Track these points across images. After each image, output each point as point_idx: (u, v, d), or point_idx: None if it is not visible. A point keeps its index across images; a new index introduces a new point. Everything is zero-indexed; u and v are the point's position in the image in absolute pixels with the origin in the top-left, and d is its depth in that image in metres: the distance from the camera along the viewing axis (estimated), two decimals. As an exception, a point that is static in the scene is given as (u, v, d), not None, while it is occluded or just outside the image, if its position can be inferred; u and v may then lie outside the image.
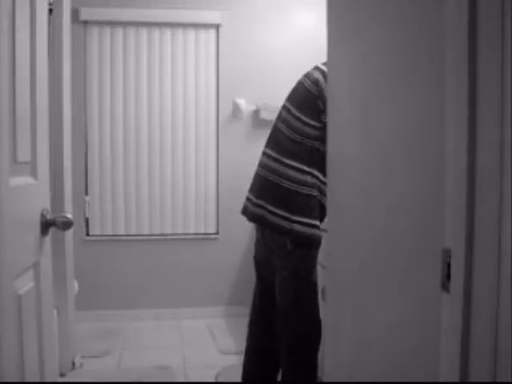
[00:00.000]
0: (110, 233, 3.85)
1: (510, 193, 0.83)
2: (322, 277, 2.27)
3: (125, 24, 3.75)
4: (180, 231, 3.91)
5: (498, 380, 0.85)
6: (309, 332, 2.28)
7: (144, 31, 3.79)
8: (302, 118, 2.23)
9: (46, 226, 1.38)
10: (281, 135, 2.31)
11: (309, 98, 2.24)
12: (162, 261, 3.92)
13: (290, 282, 2.27)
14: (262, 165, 2.36)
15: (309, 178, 2.21)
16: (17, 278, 1.20)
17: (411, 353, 1.23)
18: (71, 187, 2.96)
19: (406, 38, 1.26)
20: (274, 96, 3.89)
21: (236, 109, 3.87)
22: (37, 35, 1.34)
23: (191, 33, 3.84)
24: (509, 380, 0.83)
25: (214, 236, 3.97)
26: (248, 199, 2.40)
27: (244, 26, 3.89)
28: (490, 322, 0.86)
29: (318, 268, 2.53)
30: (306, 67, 3.89)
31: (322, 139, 2.13)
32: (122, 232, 3.86)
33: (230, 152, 3.92)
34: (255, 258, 2.50)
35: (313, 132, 2.20)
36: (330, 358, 1.80)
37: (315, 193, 2.21)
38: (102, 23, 3.73)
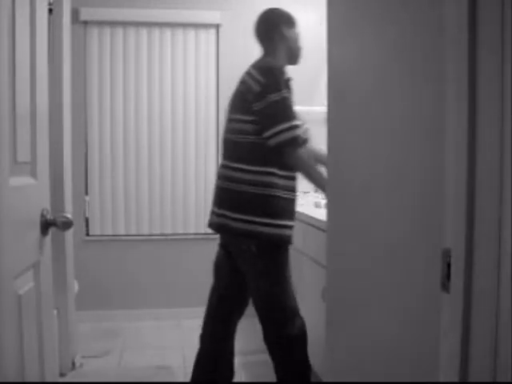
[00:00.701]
0: (110, 233, 3.85)
1: (510, 193, 0.83)
2: (322, 277, 2.27)
3: (125, 24, 3.75)
4: (180, 231, 3.91)
5: (498, 380, 0.85)
6: (289, 332, 2.26)
7: (144, 31, 3.79)
8: (238, 117, 2.24)
9: (45, 225, 1.38)
10: (229, 143, 2.31)
11: (239, 96, 2.28)
12: (162, 261, 3.92)
13: (259, 286, 2.25)
14: (218, 176, 2.35)
15: (263, 178, 2.18)
16: (17, 278, 1.20)
17: (411, 353, 1.23)
18: (71, 187, 2.96)
19: (406, 37, 1.26)
20: (274, 96, 3.90)
21: (236, 109, 3.87)
22: (37, 35, 1.34)
23: (191, 33, 3.84)
24: (509, 380, 0.83)
25: (213, 236, 3.96)
26: (212, 212, 2.38)
27: (244, 26, 3.88)
28: (489, 322, 0.86)
29: (318, 268, 2.53)
30: (306, 67, 3.90)
31: (260, 131, 2.15)
32: (122, 232, 3.86)
33: (230, 152, 3.91)
34: (215, 263, 2.52)
35: (250, 127, 2.19)
36: (330, 357, 1.80)
37: (274, 192, 2.18)
38: (102, 23, 3.73)
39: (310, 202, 3.34)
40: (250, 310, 3.95)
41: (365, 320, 1.49)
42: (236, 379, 2.81)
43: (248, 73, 2.29)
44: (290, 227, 2.24)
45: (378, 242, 1.41)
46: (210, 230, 3.91)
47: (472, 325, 0.91)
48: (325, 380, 1.97)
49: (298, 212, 2.96)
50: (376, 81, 1.42)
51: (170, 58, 3.83)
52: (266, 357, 3.11)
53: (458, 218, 0.94)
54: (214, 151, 3.91)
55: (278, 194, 2.19)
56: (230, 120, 2.31)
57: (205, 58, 3.87)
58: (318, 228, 2.53)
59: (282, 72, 2.22)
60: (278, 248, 2.22)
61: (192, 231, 3.93)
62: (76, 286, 3.08)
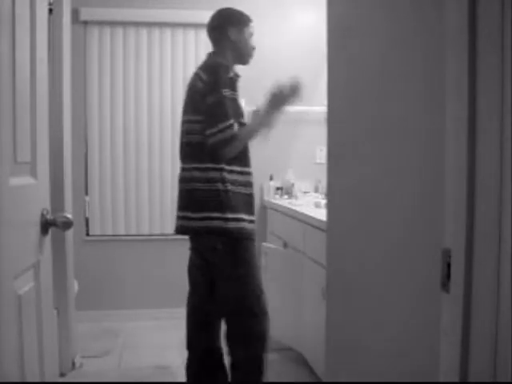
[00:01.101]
0: (110, 233, 3.85)
1: (510, 193, 0.83)
2: (322, 277, 2.27)
3: (125, 24, 3.75)
4: (180, 231, 3.91)
5: (498, 380, 0.85)
6: (256, 332, 2.32)
7: (144, 31, 3.79)
8: (188, 118, 2.29)
9: (45, 225, 1.38)
10: (182, 146, 2.35)
11: (188, 97, 2.33)
12: (161, 261, 3.91)
13: (225, 283, 2.29)
14: (178, 179, 2.39)
15: (212, 174, 2.22)
16: (17, 278, 1.19)
17: (411, 352, 1.23)
18: (71, 187, 2.96)
19: (406, 37, 1.26)
20: (274, 96, 3.90)
21: (236, 109, 3.87)
22: (37, 35, 1.34)
23: (191, 33, 3.84)
24: (509, 380, 0.83)
25: (213, 236, 3.96)
26: (176, 216, 2.39)
27: (244, 26, 3.89)
28: (490, 321, 0.86)
29: (318, 268, 2.53)
30: (306, 67, 3.90)
31: (203, 129, 2.19)
32: (122, 232, 3.86)
33: (229, 152, 3.91)
34: (189, 268, 2.58)
35: (198, 126, 2.23)
36: (330, 357, 1.80)
37: (225, 186, 2.20)
38: (102, 23, 3.73)
39: (310, 202, 3.34)
40: (250, 310, 3.94)
41: (365, 320, 1.49)
42: (236, 379, 2.81)
43: (195, 73, 2.32)
44: (248, 221, 2.26)
45: (378, 241, 1.41)
46: (209, 230, 3.94)
47: (472, 325, 0.91)
48: (325, 380, 1.97)
49: (297, 212, 2.97)
50: (376, 81, 1.42)
51: (170, 57, 3.83)
52: (265, 357, 3.12)
53: (458, 217, 0.94)
54: (213, 151, 3.91)
55: (229, 189, 2.22)
56: (182, 123, 2.35)
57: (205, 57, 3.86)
58: (318, 228, 2.53)
59: (226, 70, 2.26)
60: (239, 242, 2.24)
61: (192, 231, 3.92)
62: (76, 286, 3.08)
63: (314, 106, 3.87)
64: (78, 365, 2.91)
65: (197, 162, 2.25)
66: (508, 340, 0.83)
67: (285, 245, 3.22)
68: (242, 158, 2.28)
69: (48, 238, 1.43)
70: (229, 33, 2.38)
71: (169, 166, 3.86)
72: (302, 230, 2.87)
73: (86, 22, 3.71)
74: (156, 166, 3.86)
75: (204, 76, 2.25)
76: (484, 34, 0.89)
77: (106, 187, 3.82)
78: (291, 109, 3.84)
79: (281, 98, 2.35)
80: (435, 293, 1.02)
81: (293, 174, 3.88)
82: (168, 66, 3.82)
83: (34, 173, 1.34)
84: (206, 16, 3.84)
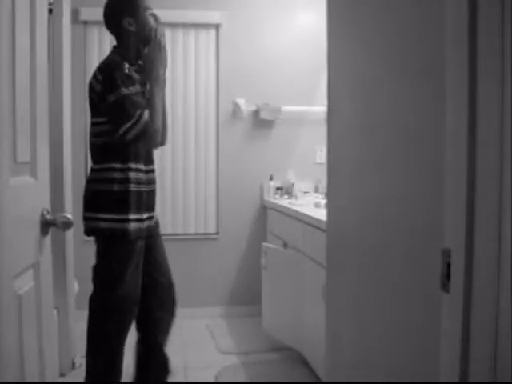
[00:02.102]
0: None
1: (510, 193, 0.83)
2: (322, 277, 2.27)
3: (125, 24, 3.75)
4: (180, 231, 3.91)
5: (498, 380, 0.85)
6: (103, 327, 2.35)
7: (144, 31, 3.78)
8: (93, 120, 2.29)
9: (45, 225, 1.38)
10: (90, 147, 2.36)
11: (89, 99, 2.30)
12: (161, 261, 3.91)
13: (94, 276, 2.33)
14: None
15: (100, 174, 2.26)
16: (16, 277, 1.20)
17: (411, 353, 1.23)
18: (71, 187, 2.96)
19: (406, 37, 1.26)
20: (274, 96, 3.90)
21: (236, 109, 3.87)
22: (37, 35, 1.34)
23: (191, 33, 3.84)
24: (509, 380, 0.83)
25: (214, 236, 3.97)
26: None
27: (244, 26, 3.89)
28: (489, 322, 0.86)
29: (318, 268, 2.53)
30: (306, 67, 3.91)
31: (111, 130, 2.20)
32: (122, 232, 3.85)
33: (230, 152, 3.92)
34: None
35: (102, 128, 2.25)
36: (330, 358, 1.80)
37: (106, 186, 2.24)
38: (101, 23, 3.70)
39: (310, 202, 3.34)
40: (252, 310, 3.96)
41: (364, 320, 1.49)
42: (236, 379, 2.81)
43: (93, 73, 2.27)
44: (123, 220, 2.25)
45: (377, 241, 1.41)
46: (210, 230, 3.95)
47: (472, 325, 0.91)
48: (325, 380, 1.97)
49: (297, 212, 2.97)
50: (376, 81, 1.42)
51: (170, 57, 3.82)
52: (266, 357, 3.12)
53: (458, 217, 0.94)
54: (214, 151, 3.91)
55: (110, 188, 2.24)
56: (90, 124, 2.34)
57: (205, 57, 3.87)
58: (318, 228, 2.53)
59: (119, 67, 2.20)
60: (112, 242, 2.27)
61: (192, 231, 3.93)
62: (76, 286, 3.08)
63: (313, 105, 3.87)
64: (77, 365, 2.91)
65: (93, 163, 2.31)
66: (508, 340, 0.83)
67: (285, 245, 3.22)
68: (122, 155, 2.27)
69: (48, 238, 1.43)
70: (125, 25, 2.31)
71: (169, 166, 3.86)
72: (302, 230, 2.87)
73: (85, 22, 3.71)
74: (156, 166, 3.85)
75: (99, 76, 2.21)
76: (484, 34, 0.89)
77: (106, 187, 3.82)
78: (291, 109, 3.86)
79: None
80: (435, 293, 1.02)
81: (293, 174, 3.89)
82: (168, 65, 3.82)
83: (33, 173, 1.34)
84: (206, 16, 3.88)
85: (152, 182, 2.45)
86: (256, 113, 3.91)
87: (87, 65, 3.74)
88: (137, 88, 2.24)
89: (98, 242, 2.32)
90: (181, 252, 3.93)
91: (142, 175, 2.35)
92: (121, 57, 2.29)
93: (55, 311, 2.68)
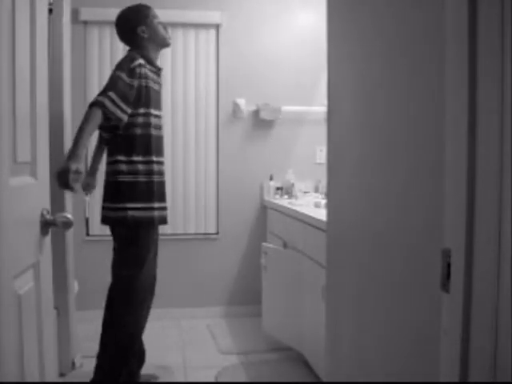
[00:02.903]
0: (110, 233, 3.84)
1: (510, 193, 0.83)
2: (322, 277, 2.27)
3: (125, 24, 3.75)
4: (180, 231, 3.91)
5: (498, 380, 0.85)
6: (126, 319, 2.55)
7: (144, 31, 3.78)
8: None
9: (45, 225, 1.38)
10: (109, 140, 2.57)
11: None
12: (161, 261, 3.90)
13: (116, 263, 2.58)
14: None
15: (112, 167, 2.47)
16: (17, 277, 1.19)
17: (411, 352, 1.23)
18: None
19: (406, 36, 1.26)
20: (274, 96, 3.90)
21: (236, 109, 3.87)
22: (37, 35, 1.34)
23: (191, 33, 3.84)
24: (509, 380, 0.83)
25: (214, 236, 3.97)
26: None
27: (244, 26, 3.89)
28: (490, 322, 0.86)
29: (318, 268, 2.53)
30: (306, 67, 3.91)
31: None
32: (122, 232, 3.85)
33: (230, 152, 3.92)
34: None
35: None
36: (330, 358, 1.80)
37: (118, 178, 2.44)
38: (101, 23, 3.73)
39: (309, 202, 3.34)
40: (252, 310, 3.95)
41: (364, 320, 1.49)
42: (236, 379, 2.81)
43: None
44: (134, 209, 2.45)
45: (377, 242, 1.41)
46: (210, 230, 3.95)
47: (472, 325, 0.91)
48: (325, 380, 1.97)
49: (297, 212, 2.97)
50: (376, 80, 1.43)
51: (170, 57, 3.83)
52: (265, 357, 3.12)
53: (458, 217, 0.94)
54: (214, 151, 3.91)
55: (122, 180, 2.44)
56: None
57: (205, 58, 3.87)
58: (318, 228, 2.53)
59: (130, 60, 2.41)
60: (127, 230, 2.47)
61: (192, 231, 3.93)
62: (76, 286, 3.08)
63: (313, 105, 3.87)
64: (78, 365, 2.91)
65: (108, 157, 2.52)
66: (508, 340, 0.83)
67: (285, 245, 3.22)
68: (127, 147, 2.46)
69: (48, 238, 1.43)
70: (139, 32, 2.53)
71: (169, 166, 3.86)
72: (302, 230, 2.87)
73: (85, 22, 3.71)
74: (156, 166, 3.85)
75: (115, 66, 2.44)
76: (484, 34, 0.89)
77: (106, 187, 3.82)
78: (291, 109, 3.86)
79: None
80: (435, 293, 1.02)
81: (293, 174, 3.89)
82: (168, 65, 3.82)
83: (33, 173, 1.34)
84: (206, 16, 3.88)
85: (163, 173, 2.61)
86: (256, 113, 3.91)
87: (87, 65, 3.74)
88: (138, 82, 2.39)
89: (122, 230, 2.49)
90: (181, 252, 3.93)
91: (138, 166, 2.48)
92: (138, 53, 2.48)
93: (55, 311, 2.68)
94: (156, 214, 2.50)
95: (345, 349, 1.65)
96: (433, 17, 1.12)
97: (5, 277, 1.11)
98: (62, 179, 2.14)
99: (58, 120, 2.76)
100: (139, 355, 2.64)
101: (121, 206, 2.44)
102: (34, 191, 1.36)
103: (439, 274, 1.00)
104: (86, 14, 3.67)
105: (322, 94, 3.37)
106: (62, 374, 2.79)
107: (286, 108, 3.86)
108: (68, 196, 2.87)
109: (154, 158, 2.51)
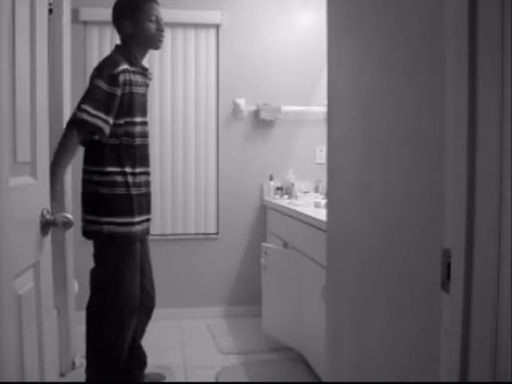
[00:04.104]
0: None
1: (510, 193, 0.83)
2: (322, 277, 2.27)
3: (125, 24, 3.75)
4: (180, 231, 3.91)
5: (498, 380, 0.85)
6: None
7: (144, 31, 3.78)
8: None
9: (45, 225, 1.38)
10: (86, 147, 2.40)
11: None
12: (161, 261, 3.91)
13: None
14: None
15: (91, 177, 2.31)
16: (17, 277, 1.19)
17: (411, 352, 1.23)
18: (71, 187, 2.95)
19: (406, 37, 1.26)
20: (274, 96, 3.90)
21: (236, 109, 3.87)
22: (37, 35, 1.34)
23: (191, 33, 3.84)
24: (509, 380, 0.83)
25: (214, 236, 3.97)
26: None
27: (244, 26, 3.89)
28: (490, 321, 0.86)
29: (318, 268, 2.53)
30: (306, 67, 3.91)
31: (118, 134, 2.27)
32: (122, 232, 3.85)
33: (230, 152, 3.92)
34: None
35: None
36: (330, 358, 1.80)
37: (98, 189, 2.28)
38: (101, 23, 3.72)
39: (309, 202, 3.34)
40: (252, 310, 3.95)
41: (364, 320, 1.49)
42: (236, 379, 2.81)
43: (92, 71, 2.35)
44: (111, 223, 2.29)
45: (377, 241, 1.41)
46: (210, 230, 3.95)
47: (472, 325, 0.91)
48: (325, 380, 1.97)
49: (297, 212, 2.97)
50: (376, 80, 1.43)
51: (170, 57, 3.83)
52: (266, 357, 3.12)
53: (458, 217, 0.94)
54: (214, 151, 3.91)
55: (100, 192, 2.29)
56: None
57: (205, 57, 3.87)
58: (318, 228, 2.53)
59: (112, 65, 2.24)
60: (101, 245, 2.33)
61: (192, 231, 3.93)
62: (76, 286, 3.08)
63: (313, 105, 3.87)
64: (78, 365, 2.91)
65: (88, 165, 2.36)
66: (508, 340, 0.83)
67: (285, 245, 3.22)
68: (105, 159, 2.30)
69: (48, 238, 1.43)
70: (121, 27, 2.36)
71: (169, 166, 3.87)
72: (302, 230, 2.87)
73: (85, 22, 3.71)
74: (156, 166, 3.85)
75: (95, 70, 2.29)
76: (484, 33, 0.89)
77: (106, 187, 3.82)
78: (291, 109, 3.86)
79: None
80: (435, 293, 1.02)
81: (293, 174, 3.89)
82: (168, 65, 3.82)
83: (34, 173, 1.34)
84: (206, 16, 3.88)
85: (147, 184, 2.45)
86: (256, 113, 3.91)
87: (87, 65, 3.74)
88: (131, 91, 2.27)
89: (98, 244, 2.34)
90: (181, 252, 3.93)
91: (125, 178, 2.32)
92: (122, 56, 2.31)
93: (55, 311, 2.68)
94: (138, 228, 2.34)
95: (345, 349, 1.65)
96: (433, 16, 1.12)
97: (5, 277, 1.11)
98: None
99: (57, 120, 2.76)
100: (139, 359, 2.61)
101: (97, 219, 2.29)
102: (34, 191, 1.36)
103: (439, 274, 1.00)
104: (85, 14, 3.68)
105: (322, 93, 3.37)
106: (62, 374, 2.79)
107: (285, 108, 3.86)
108: (68, 196, 2.87)
109: (137, 170, 2.34)
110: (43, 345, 1.37)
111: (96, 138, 2.27)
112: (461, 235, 0.92)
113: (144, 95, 2.39)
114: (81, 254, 3.59)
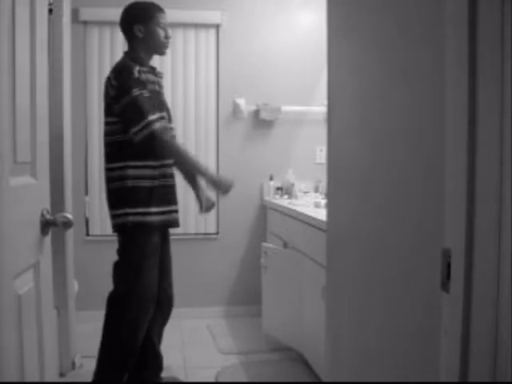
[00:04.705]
0: (110, 233, 3.83)
1: (510, 193, 0.83)
2: (322, 277, 2.27)
3: (125, 24, 3.75)
4: (180, 231, 3.90)
5: (498, 380, 0.85)
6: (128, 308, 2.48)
7: (144, 31, 3.78)
8: (106, 120, 2.43)
9: (46, 225, 1.38)
10: (104, 146, 2.49)
11: (104, 101, 2.45)
12: (161, 261, 3.91)
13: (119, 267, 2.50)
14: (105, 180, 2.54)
15: (120, 172, 2.39)
16: (17, 278, 1.19)
17: (411, 353, 1.23)
18: (71, 187, 2.96)
19: (405, 37, 1.26)
20: (274, 96, 3.90)
21: (236, 109, 3.87)
22: (37, 35, 1.34)
23: (191, 33, 3.84)
24: (509, 380, 0.83)
25: (214, 236, 3.97)
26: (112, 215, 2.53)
27: (244, 26, 3.89)
28: (490, 321, 0.86)
29: (318, 268, 2.53)
30: (306, 67, 3.91)
31: (122, 130, 2.35)
32: (122, 232, 3.85)
33: (230, 152, 3.92)
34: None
35: (115, 128, 2.38)
36: (330, 358, 1.80)
37: (126, 183, 2.37)
38: (101, 23, 3.73)
39: (309, 202, 3.34)
40: (252, 310, 3.95)
41: (364, 320, 1.49)
42: (236, 379, 2.81)
43: (107, 76, 2.44)
44: (140, 214, 2.39)
45: (378, 241, 1.41)
46: (210, 230, 3.95)
47: (472, 325, 0.91)
48: (325, 380, 1.97)
49: (297, 212, 2.97)
50: (376, 80, 1.42)
51: (170, 57, 3.83)
52: (266, 357, 3.12)
53: (458, 217, 0.94)
54: (213, 151, 3.91)
55: (130, 185, 2.38)
56: (104, 124, 2.47)
57: (205, 58, 3.87)
58: (318, 228, 2.53)
59: (129, 71, 2.34)
60: (124, 236, 2.45)
61: (192, 231, 3.93)
62: (76, 286, 3.08)
63: (313, 105, 3.87)
64: (78, 365, 2.91)
65: (111, 163, 2.43)
66: (508, 340, 0.83)
67: (285, 245, 3.22)
68: (135, 152, 2.39)
69: (48, 238, 1.43)
70: (134, 31, 2.45)
71: (169, 166, 3.87)
72: (302, 230, 2.87)
73: (85, 22, 3.71)
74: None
75: (113, 81, 2.37)
76: (484, 33, 0.89)
77: (106, 187, 3.82)
78: (291, 109, 3.86)
79: (217, 185, 2.49)
80: (435, 293, 1.02)
81: (293, 174, 3.89)
82: (168, 65, 3.82)
83: (34, 173, 1.34)
84: (206, 16, 3.88)
85: (168, 176, 2.52)
86: (256, 113, 3.91)
87: (87, 65, 3.75)
88: (150, 89, 2.38)
89: (122, 237, 2.46)
90: (181, 252, 3.92)
91: (152, 171, 2.43)
92: (132, 60, 2.41)
93: (55, 311, 2.68)
94: (155, 218, 2.41)
95: (345, 349, 1.65)
96: (433, 17, 1.12)
97: (5, 277, 1.11)
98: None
99: (57, 120, 2.76)
100: (154, 362, 2.61)
101: (123, 211, 2.40)
102: (34, 191, 1.36)
103: (439, 274, 0.99)
104: (85, 14, 3.67)
105: (322, 93, 3.36)
106: (61, 374, 2.79)
107: (285, 108, 3.86)
108: (68, 196, 2.87)
109: (159, 163, 2.44)
110: (43, 345, 1.37)
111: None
112: (461, 235, 0.92)
113: (159, 93, 2.50)
114: (81, 254, 3.60)
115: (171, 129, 2.52)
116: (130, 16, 2.47)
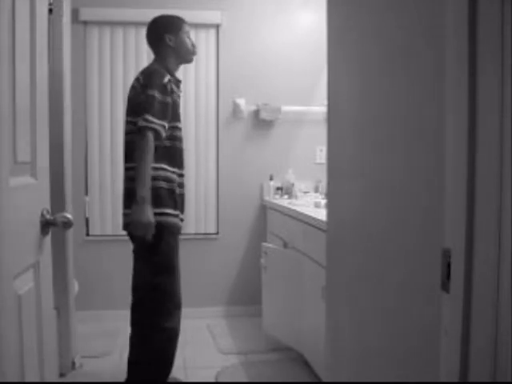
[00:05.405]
0: (110, 233, 3.85)
1: (510, 193, 0.83)
2: (322, 277, 2.27)
3: (125, 24, 3.75)
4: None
5: (498, 380, 0.85)
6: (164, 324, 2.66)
7: (144, 31, 3.77)
8: (129, 119, 2.47)
9: (46, 225, 1.38)
10: (125, 145, 2.54)
11: (130, 101, 2.49)
12: (161, 261, 3.91)
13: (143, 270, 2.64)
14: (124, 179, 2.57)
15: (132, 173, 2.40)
16: (16, 278, 1.20)
17: (411, 352, 1.23)
18: (71, 187, 2.96)
19: (405, 37, 1.26)
20: (274, 96, 3.90)
21: (236, 109, 3.87)
22: (37, 35, 1.34)
23: (191, 33, 3.83)
24: (509, 380, 0.83)
25: (214, 236, 3.97)
26: (122, 214, 2.59)
27: (244, 26, 3.89)
28: (490, 321, 0.86)
29: (318, 268, 2.53)
30: (306, 67, 3.91)
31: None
32: (122, 232, 3.85)
33: (230, 152, 3.92)
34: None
35: (134, 127, 2.39)
36: (330, 357, 1.80)
37: (164, 185, 2.46)
38: (101, 23, 3.73)
39: (309, 202, 3.34)
40: (252, 310, 3.95)
41: (364, 320, 1.49)
42: (236, 379, 2.81)
43: (136, 78, 2.50)
44: (164, 214, 2.47)
45: (378, 241, 1.41)
46: (210, 230, 3.95)
47: (472, 325, 0.91)
48: (325, 380, 1.97)
49: (297, 212, 2.97)
50: (376, 80, 1.42)
51: (170, 58, 3.82)
52: (265, 357, 3.12)
53: (458, 217, 0.94)
54: (214, 151, 3.91)
55: (167, 187, 2.48)
56: (126, 123, 2.51)
57: (205, 58, 3.87)
58: (318, 228, 2.53)
59: (160, 76, 2.42)
60: (156, 236, 2.46)
61: (192, 231, 3.93)
62: (76, 286, 3.08)
63: (313, 105, 3.87)
64: (78, 365, 2.91)
65: (129, 162, 2.45)
66: (508, 340, 0.83)
67: (285, 245, 3.22)
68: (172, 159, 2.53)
69: (48, 238, 1.43)
70: (167, 40, 2.57)
71: (169, 166, 3.86)
72: (302, 230, 2.87)
73: (85, 22, 3.71)
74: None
75: (142, 80, 2.44)
76: (484, 34, 0.89)
77: (105, 187, 3.82)
78: (291, 109, 3.86)
79: (137, 218, 2.39)
80: (435, 293, 1.02)
81: (293, 174, 3.89)
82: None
83: (34, 173, 1.34)
84: (206, 16, 3.88)
85: (183, 186, 2.66)
86: (256, 113, 3.91)
87: (87, 65, 3.75)
88: (173, 100, 2.45)
89: (156, 235, 2.46)
90: (181, 252, 3.92)
91: (171, 175, 2.53)
92: (162, 67, 2.50)
93: (55, 311, 2.68)
94: (178, 221, 2.57)
95: (345, 349, 1.65)
96: (433, 17, 1.12)
97: (5, 277, 1.11)
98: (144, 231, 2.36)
99: (57, 120, 2.76)
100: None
101: (157, 211, 2.42)
102: (34, 191, 1.36)
103: (439, 273, 0.99)
104: (85, 14, 3.67)
105: (321, 93, 3.37)
106: (61, 374, 2.79)
107: (285, 108, 3.86)
108: (68, 196, 2.88)
109: (177, 171, 2.57)
110: (43, 345, 1.37)
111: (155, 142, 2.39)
112: (461, 235, 0.92)
113: (178, 105, 2.58)
114: (81, 254, 3.60)
115: (181, 140, 2.62)
116: (160, 27, 2.62)
